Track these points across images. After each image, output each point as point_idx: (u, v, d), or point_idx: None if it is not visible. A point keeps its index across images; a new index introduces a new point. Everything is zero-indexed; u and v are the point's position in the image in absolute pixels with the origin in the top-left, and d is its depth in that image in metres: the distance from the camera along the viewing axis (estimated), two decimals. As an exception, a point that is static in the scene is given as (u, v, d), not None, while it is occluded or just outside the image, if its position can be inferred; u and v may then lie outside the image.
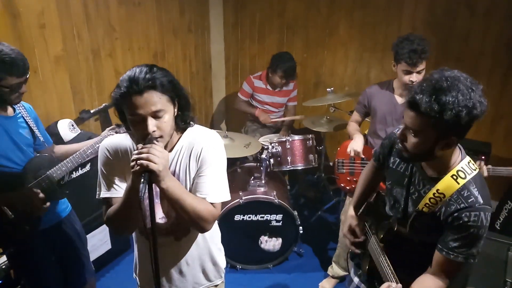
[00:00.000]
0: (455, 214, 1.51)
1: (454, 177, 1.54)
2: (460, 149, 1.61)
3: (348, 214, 2.12)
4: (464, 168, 1.55)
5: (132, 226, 1.68)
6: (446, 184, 1.55)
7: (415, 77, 2.60)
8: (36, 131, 2.30)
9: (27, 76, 2.08)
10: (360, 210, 2.11)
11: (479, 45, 3.67)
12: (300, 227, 3.30)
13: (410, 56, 2.53)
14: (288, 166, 3.55)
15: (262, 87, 4.21)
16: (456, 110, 1.36)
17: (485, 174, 2.53)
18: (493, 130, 3.77)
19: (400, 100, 2.80)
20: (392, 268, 1.65)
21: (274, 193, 3.27)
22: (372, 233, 1.92)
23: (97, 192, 1.67)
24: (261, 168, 3.49)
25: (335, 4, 4.25)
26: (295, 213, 3.31)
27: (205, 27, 4.89)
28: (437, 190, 1.56)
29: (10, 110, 2.21)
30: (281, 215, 3.27)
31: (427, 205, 1.60)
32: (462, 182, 1.53)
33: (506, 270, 2.42)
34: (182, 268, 1.80)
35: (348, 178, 3.03)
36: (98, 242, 3.16)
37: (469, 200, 1.50)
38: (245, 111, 4.37)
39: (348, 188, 3.05)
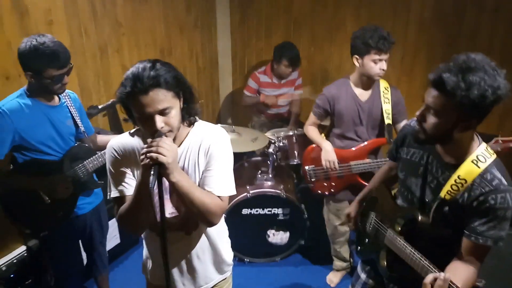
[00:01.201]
0: (481, 197, 1.51)
1: (475, 161, 1.54)
2: (477, 136, 1.62)
3: (353, 203, 2.18)
4: (483, 153, 1.56)
5: (144, 223, 1.68)
6: (467, 170, 1.54)
7: (384, 65, 2.57)
8: (78, 121, 2.41)
9: (69, 68, 2.16)
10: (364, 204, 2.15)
11: (487, 42, 3.63)
12: (308, 221, 3.32)
13: (382, 42, 2.50)
14: (295, 160, 3.55)
15: (268, 81, 4.22)
16: (483, 89, 1.37)
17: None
18: (501, 123, 3.74)
19: (362, 97, 2.75)
20: (427, 258, 1.60)
21: (281, 187, 3.28)
22: (387, 227, 1.88)
23: (108, 193, 1.68)
24: (268, 162, 3.50)
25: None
26: (303, 206, 3.32)
27: (212, 23, 4.89)
28: (458, 176, 1.56)
29: (56, 99, 2.33)
30: (289, 209, 3.29)
31: (449, 192, 1.59)
32: (483, 166, 1.53)
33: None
34: (193, 262, 1.82)
35: (325, 184, 2.97)
36: (108, 236, 3.18)
37: (494, 183, 1.50)
38: (252, 104, 4.36)
39: (326, 193, 3.00)
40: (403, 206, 1.87)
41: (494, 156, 1.57)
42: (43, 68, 2.06)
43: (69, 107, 2.38)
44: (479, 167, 1.53)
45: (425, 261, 1.58)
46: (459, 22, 3.71)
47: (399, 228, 1.78)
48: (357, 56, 2.63)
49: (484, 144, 1.60)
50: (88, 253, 2.75)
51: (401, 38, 3.99)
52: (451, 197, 1.59)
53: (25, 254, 2.94)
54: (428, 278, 1.48)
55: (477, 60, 1.42)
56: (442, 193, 1.61)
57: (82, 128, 2.43)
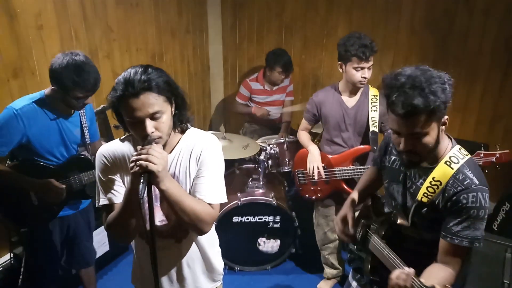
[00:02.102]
0: (454, 197, 1.55)
1: (448, 163, 1.58)
2: (449, 137, 1.66)
3: (345, 205, 2.08)
4: (456, 154, 1.60)
5: (133, 232, 1.65)
6: (441, 171, 1.59)
7: (367, 73, 2.62)
8: (86, 131, 2.43)
9: (95, 91, 2.16)
10: (357, 214, 2.11)
11: (478, 45, 3.66)
12: (298, 229, 3.30)
13: (363, 51, 2.53)
14: (286, 168, 3.54)
15: (260, 88, 4.22)
16: (442, 88, 1.44)
17: None
18: (492, 130, 3.77)
19: (349, 102, 2.80)
20: (399, 257, 1.64)
21: (272, 195, 3.27)
22: (372, 232, 1.92)
23: (97, 201, 1.65)
24: (259, 169, 3.49)
25: (333, 4, 4.24)
26: (293, 214, 3.31)
27: (203, 28, 4.88)
28: (433, 178, 1.60)
29: (71, 110, 2.33)
30: (279, 217, 3.27)
31: (425, 194, 1.62)
32: (456, 167, 1.57)
33: (504, 272, 2.42)
34: (183, 270, 1.80)
35: (312, 188, 2.98)
36: (97, 243, 3.14)
37: (465, 182, 1.54)
38: (243, 112, 4.38)
39: (314, 197, 3.01)
40: (387, 212, 1.90)
41: (468, 156, 1.61)
42: (72, 88, 2.07)
43: (80, 117, 2.39)
44: (452, 168, 1.57)
45: (396, 259, 1.62)
46: (450, 24, 3.73)
47: (382, 233, 1.82)
48: (340, 63, 2.70)
49: (457, 146, 1.64)
50: (71, 250, 2.69)
51: (392, 42, 4.03)
52: (428, 199, 1.62)
53: (12, 262, 2.89)
54: (394, 274, 1.52)
55: (414, 70, 1.49)
56: (419, 196, 1.64)
57: (87, 140, 2.46)
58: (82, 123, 2.39)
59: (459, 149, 1.63)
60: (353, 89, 2.77)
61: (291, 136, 3.72)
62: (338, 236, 2.08)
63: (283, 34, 4.65)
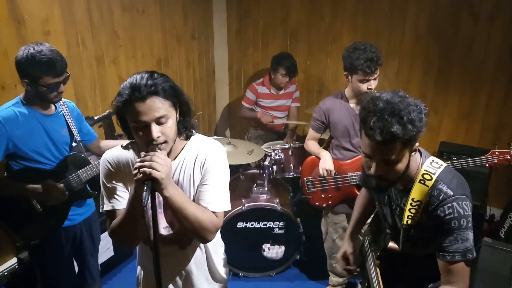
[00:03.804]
0: (433, 213, 1.55)
1: (422, 181, 1.58)
2: (420, 152, 1.64)
3: (344, 240, 2.12)
4: (428, 170, 1.59)
5: (137, 238, 1.66)
6: (418, 191, 1.58)
7: (373, 84, 2.62)
8: (74, 130, 2.41)
9: (65, 76, 2.17)
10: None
11: (483, 53, 3.66)
12: (303, 235, 3.29)
13: (368, 65, 2.53)
14: (291, 173, 3.53)
15: (266, 92, 4.24)
16: (419, 117, 1.43)
17: None
18: (497, 138, 3.74)
19: (357, 108, 2.77)
20: (380, 282, 1.67)
21: (277, 200, 3.26)
22: (370, 250, 1.93)
23: (101, 206, 1.65)
24: (264, 175, 3.49)
25: (338, 11, 4.25)
26: (298, 220, 3.29)
27: (209, 34, 4.90)
28: (413, 199, 1.59)
29: (52, 108, 2.33)
30: (284, 223, 3.26)
31: (409, 216, 1.61)
32: (430, 183, 1.57)
33: (511, 279, 2.40)
34: (187, 277, 1.80)
35: (323, 196, 2.96)
36: (101, 249, 3.14)
37: (440, 197, 1.53)
38: (248, 117, 4.40)
39: (324, 205, 2.99)
40: (383, 232, 1.90)
41: (441, 167, 1.59)
42: (40, 76, 2.06)
43: (65, 116, 2.37)
44: (427, 186, 1.57)
45: (376, 283, 1.66)
46: (455, 32, 3.74)
47: (378, 254, 1.84)
48: (346, 73, 2.70)
49: (429, 159, 1.62)
50: (79, 264, 2.71)
51: (397, 48, 4.03)
52: (412, 221, 1.62)
53: (17, 266, 2.90)
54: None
55: (392, 98, 1.45)
56: (404, 220, 1.63)
57: (77, 138, 2.42)
58: (68, 122, 2.37)
59: (431, 162, 1.61)
60: (360, 96, 2.76)
61: (296, 142, 3.71)
62: (341, 273, 2.08)
63: (288, 40, 4.66)
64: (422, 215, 1.59)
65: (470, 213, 1.52)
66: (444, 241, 1.53)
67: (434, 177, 1.56)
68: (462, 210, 1.50)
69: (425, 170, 1.58)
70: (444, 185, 1.54)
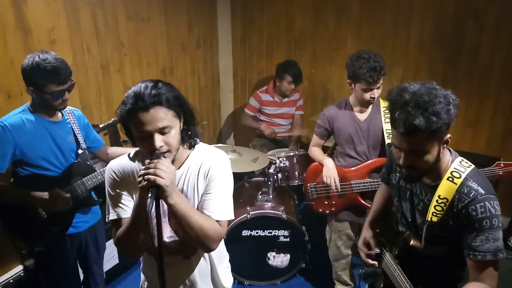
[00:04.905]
0: (463, 211, 1.53)
1: (450, 179, 1.57)
2: (450, 151, 1.65)
3: (364, 228, 2.11)
4: (457, 168, 1.59)
5: (142, 247, 1.65)
6: (445, 188, 1.58)
7: (376, 93, 2.63)
8: (80, 138, 2.43)
9: (70, 84, 2.19)
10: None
11: (489, 60, 3.64)
12: (309, 243, 3.27)
13: (371, 75, 2.53)
14: (296, 181, 3.52)
15: (270, 100, 4.24)
16: (446, 109, 1.43)
17: None
18: (504, 145, 3.72)
19: (361, 116, 2.79)
20: (409, 281, 1.64)
21: (282, 208, 3.25)
22: (386, 250, 1.91)
23: (107, 216, 1.65)
24: (269, 183, 3.47)
25: (342, 19, 4.26)
26: (304, 228, 3.28)
27: (214, 42, 4.93)
28: (439, 196, 1.59)
29: (58, 115, 2.35)
30: (289, 231, 3.24)
31: (434, 213, 1.61)
32: (459, 181, 1.56)
33: (519, 288, 2.38)
34: (191, 287, 1.78)
35: (326, 202, 2.95)
36: (106, 256, 3.14)
37: (471, 195, 1.52)
38: (251, 127, 4.39)
39: (327, 212, 2.98)
40: (400, 230, 1.88)
41: (470, 167, 1.59)
42: (44, 83, 2.09)
43: (71, 124, 2.39)
44: (455, 183, 1.56)
45: (406, 283, 1.63)
46: (460, 39, 3.73)
47: (396, 253, 1.81)
48: (350, 81, 2.71)
49: (458, 158, 1.63)
50: (84, 272, 2.71)
51: (402, 56, 4.02)
52: (437, 218, 1.61)
53: (22, 274, 2.90)
54: None
55: (419, 89, 1.47)
56: (428, 216, 1.63)
57: (83, 145, 2.44)
58: (74, 130, 2.39)
59: (460, 161, 1.61)
60: (364, 104, 2.78)
61: (301, 150, 3.70)
62: (365, 263, 2.05)
63: (292, 48, 4.67)
64: (447, 213, 1.58)
65: (500, 213, 1.52)
66: (475, 240, 1.52)
67: (464, 175, 1.56)
68: (494, 210, 1.50)
69: (454, 168, 1.58)
70: (474, 183, 1.54)
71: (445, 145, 1.56)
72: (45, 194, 2.22)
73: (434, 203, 1.60)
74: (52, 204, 2.25)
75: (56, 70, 2.09)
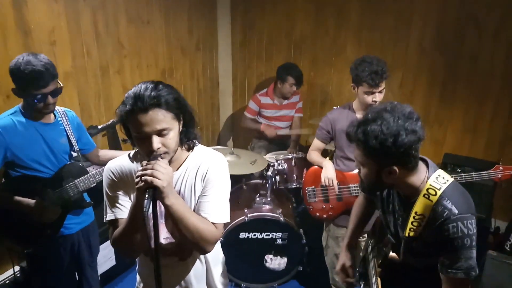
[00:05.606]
0: (437, 230, 1.53)
1: (426, 196, 1.56)
2: (427, 166, 1.62)
3: (341, 252, 2.10)
4: (433, 185, 1.56)
5: (138, 247, 1.65)
6: (422, 205, 1.57)
7: (378, 97, 2.65)
8: (73, 140, 2.39)
9: (54, 88, 2.12)
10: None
11: (488, 66, 3.66)
12: (306, 246, 3.27)
13: (372, 77, 2.55)
14: (294, 184, 3.52)
15: (269, 102, 4.26)
16: (380, 138, 1.43)
17: None
18: (502, 150, 3.73)
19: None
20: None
21: (280, 211, 3.25)
22: (373, 256, 1.92)
23: (104, 216, 1.65)
24: (267, 185, 3.47)
25: (342, 24, 4.28)
26: (301, 231, 3.28)
27: (213, 45, 4.94)
28: (416, 212, 1.58)
29: (51, 116, 2.31)
30: (287, 233, 3.24)
31: (411, 229, 1.61)
32: (434, 199, 1.55)
33: (516, 293, 2.38)
34: None
35: (324, 206, 2.94)
36: (103, 258, 3.14)
37: (444, 214, 1.52)
38: (251, 128, 4.40)
39: (325, 216, 2.97)
40: (385, 240, 1.90)
41: (447, 183, 1.57)
42: (23, 86, 2.06)
43: (64, 125, 2.36)
44: (431, 201, 1.55)
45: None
46: (460, 46, 3.74)
47: (379, 261, 1.85)
48: (353, 85, 2.73)
49: (435, 173, 1.59)
50: (78, 274, 2.68)
51: (401, 62, 4.04)
52: (414, 234, 1.61)
53: (18, 275, 2.89)
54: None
55: (379, 110, 1.48)
56: (406, 232, 1.63)
57: (76, 147, 2.41)
58: (67, 131, 2.35)
59: (437, 177, 1.58)
60: (367, 108, 2.77)
61: (299, 152, 3.71)
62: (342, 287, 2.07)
63: (292, 52, 4.69)
64: (425, 229, 1.58)
65: (475, 231, 1.51)
66: (447, 258, 1.53)
67: (439, 193, 1.54)
68: (467, 230, 1.49)
69: (430, 184, 1.56)
70: (449, 201, 1.52)
71: (390, 175, 1.53)
72: (32, 203, 2.18)
73: (411, 219, 1.59)
74: (38, 216, 2.21)
75: (36, 73, 2.03)
